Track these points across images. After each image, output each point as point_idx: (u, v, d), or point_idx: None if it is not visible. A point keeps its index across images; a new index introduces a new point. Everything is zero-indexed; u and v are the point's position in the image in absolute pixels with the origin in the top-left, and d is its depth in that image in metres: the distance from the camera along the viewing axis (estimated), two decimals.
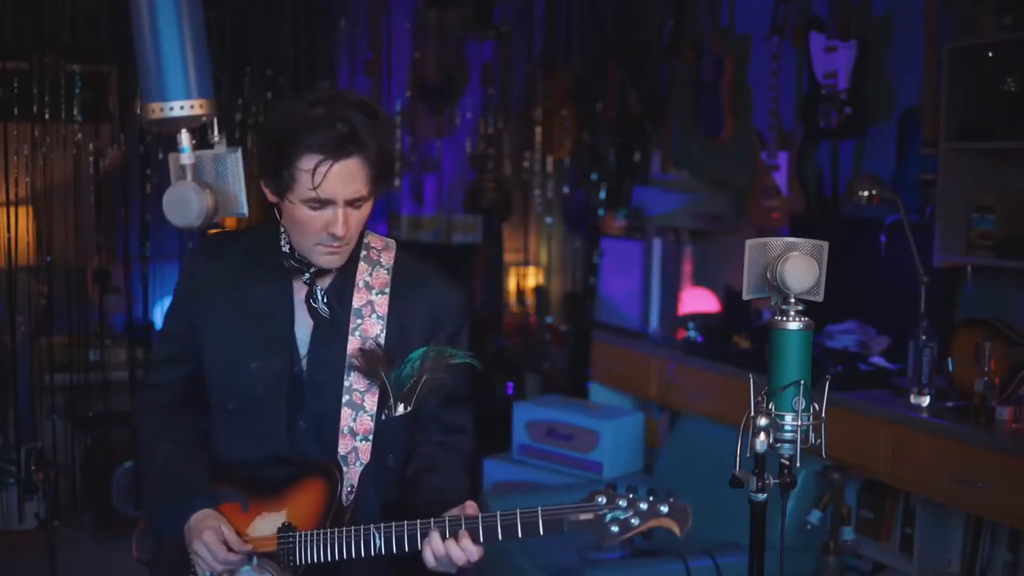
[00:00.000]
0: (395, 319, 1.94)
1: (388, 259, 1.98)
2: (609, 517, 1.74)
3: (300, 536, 1.86)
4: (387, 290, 1.94)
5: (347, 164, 1.78)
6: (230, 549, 1.85)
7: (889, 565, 3.47)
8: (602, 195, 5.38)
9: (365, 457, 1.91)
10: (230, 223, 5.03)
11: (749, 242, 1.75)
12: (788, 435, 1.71)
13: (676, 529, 1.77)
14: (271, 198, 1.87)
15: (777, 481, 1.72)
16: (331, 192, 1.78)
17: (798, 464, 1.72)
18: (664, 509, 1.77)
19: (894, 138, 3.86)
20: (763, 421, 1.69)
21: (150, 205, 4.74)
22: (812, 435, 1.73)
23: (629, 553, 3.38)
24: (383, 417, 1.91)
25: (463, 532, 1.77)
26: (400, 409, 1.91)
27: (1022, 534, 3.18)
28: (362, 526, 1.83)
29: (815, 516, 3.08)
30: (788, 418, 1.71)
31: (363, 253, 1.96)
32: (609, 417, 4.22)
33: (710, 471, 3.39)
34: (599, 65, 5.38)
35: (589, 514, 1.74)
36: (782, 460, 1.72)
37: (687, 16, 5.01)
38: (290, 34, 5.16)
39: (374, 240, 2.00)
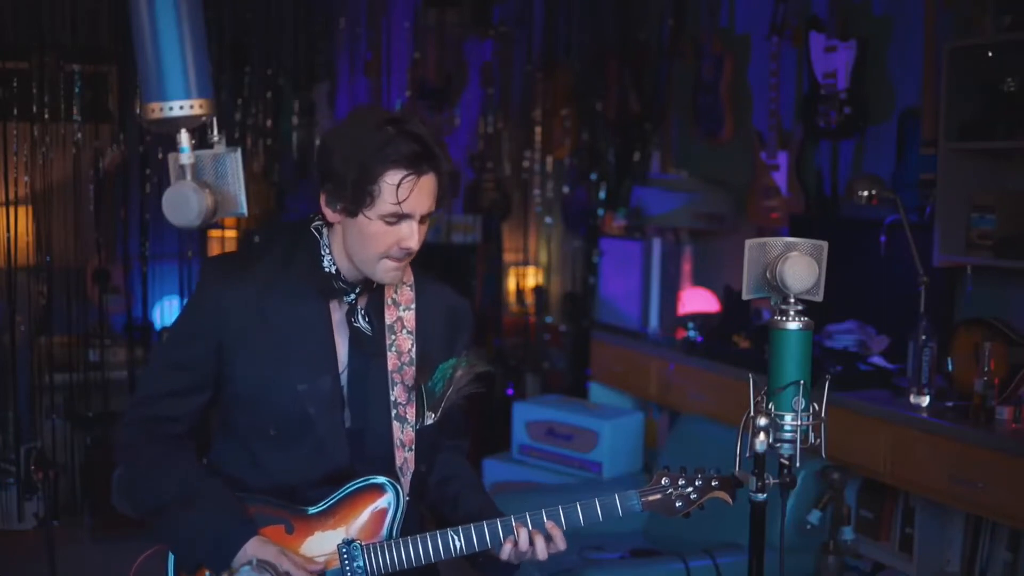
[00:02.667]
0: (422, 333, 2.02)
1: (408, 277, 2.05)
2: (674, 495, 1.94)
3: (369, 548, 1.90)
4: (412, 306, 2.02)
5: (427, 179, 1.86)
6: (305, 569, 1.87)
7: (889, 565, 3.47)
8: (602, 195, 5.38)
9: (412, 466, 1.99)
10: (230, 223, 5.07)
11: (749, 242, 1.75)
12: (788, 435, 1.71)
13: (727, 498, 1.95)
14: (333, 217, 1.89)
15: (777, 481, 1.72)
16: (412, 206, 1.85)
17: (798, 464, 1.72)
18: (715, 483, 1.95)
19: (894, 138, 3.86)
20: (763, 421, 1.70)
21: (150, 205, 4.75)
22: (812, 435, 1.73)
23: (629, 553, 3.39)
24: (418, 427, 2.00)
25: (552, 524, 1.92)
26: (431, 418, 2.00)
27: (1021, 534, 3.18)
28: (437, 531, 1.91)
29: (815, 516, 3.08)
30: (788, 418, 1.71)
31: None
32: (609, 417, 4.22)
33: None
34: (599, 65, 5.38)
35: (658, 494, 1.94)
36: (782, 460, 1.73)
37: (687, 16, 5.01)
38: (290, 34, 5.16)
39: None
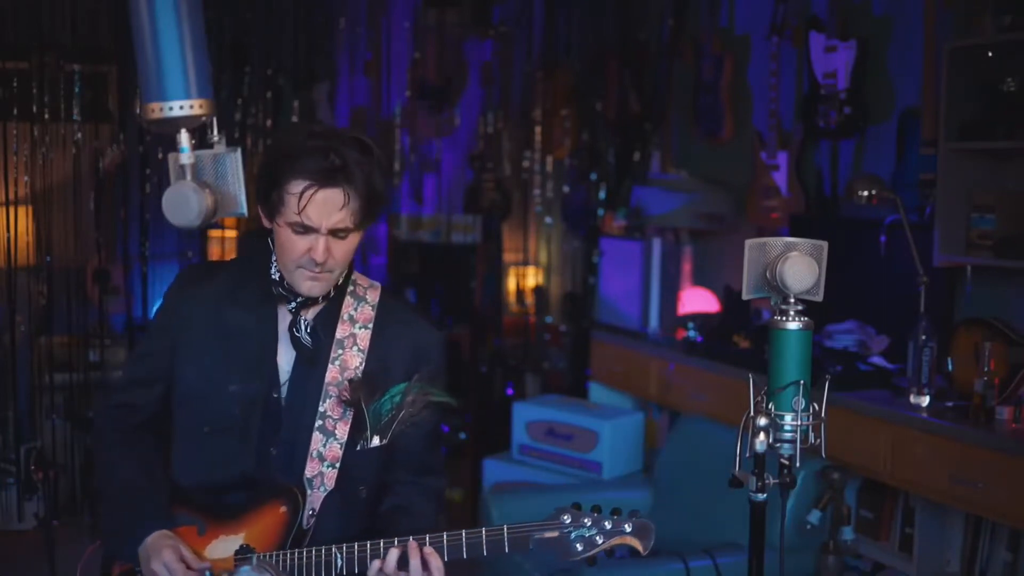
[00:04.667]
0: (376, 354, 1.99)
1: (373, 297, 2.05)
2: (574, 535, 1.78)
3: (258, 558, 1.89)
4: (370, 325, 2.00)
5: (332, 193, 1.84)
6: (188, 567, 1.87)
7: (889, 565, 3.47)
8: (602, 195, 5.38)
9: (330, 484, 1.95)
10: (230, 223, 5.07)
11: (749, 242, 1.75)
12: (788, 435, 1.71)
13: (639, 546, 1.79)
14: (265, 222, 1.93)
15: (777, 481, 1.72)
16: (314, 218, 1.84)
17: (798, 464, 1.72)
18: (628, 528, 1.80)
19: (894, 138, 3.86)
20: (763, 421, 1.69)
21: (150, 205, 4.75)
22: (812, 435, 1.73)
23: (629, 553, 3.38)
24: (357, 447, 1.96)
25: (430, 549, 1.81)
26: (376, 441, 1.95)
27: (1021, 534, 3.18)
28: (323, 547, 1.86)
29: (815, 516, 3.08)
30: (788, 418, 1.71)
31: (350, 288, 2.03)
32: (609, 417, 4.22)
33: (710, 471, 3.39)
34: (599, 65, 5.37)
35: (554, 532, 1.78)
36: (782, 460, 1.72)
37: (687, 16, 5.01)
38: (290, 34, 5.16)
39: (361, 279, 2.07)
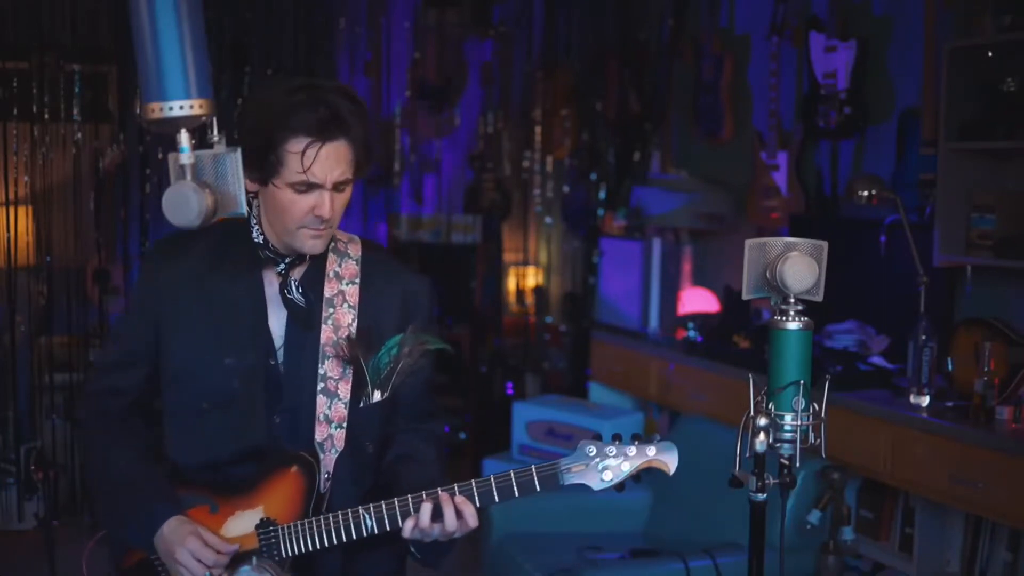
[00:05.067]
0: (367, 309, 1.96)
1: (356, 251, 2.01)
2: (600, 466, 1.79)
3: (282, 529, 1.86)
4: (357, 280, 1.97)
5: (334, 146, 1.81)
6: (217, 552, 1.83)
7: (888, 565, 3.47)
8: (602, 195, 5.38)
9: (340, 444, 1.92)
10: None
11: (749, 242, 1.75)
12: (788, 435, 1.71)
13: (665, 467, 1.80)
14: (251, 187, 1.86)
15: (777, 481, 1.72)
16: (319, 174, 1.80)
17: (797, 464, 1.72)
18: (651, 451, 1.80)
19: (894, 138, 3.86)
20: (763, 421, 1.69)
21: (150, 205, 4.75)
22: (812, 435, 1.73)
23: (629, 553, 3.39)
24: (360, 405, 1.93)
25: (461, 498, 1.80)
26: (377, 395, 1.93)
27: (1021, 534, 3.18)
28: (349, 510, 1.84)
29: (815, 516, 3.08)
30: (788, 418, 1.71)
31: (332, 244, 1.98)
32: (609, 417, 4.22)
33: (710, 471, 3.38)
34: (599, 65, 5.38)
35: (581, 465, 1.79)
36: (782, 460, 1.72)
37: (687, 16, 5.01)
38: (290, 34, 5.16)
39: (339, 233, 2.02)
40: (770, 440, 1.70)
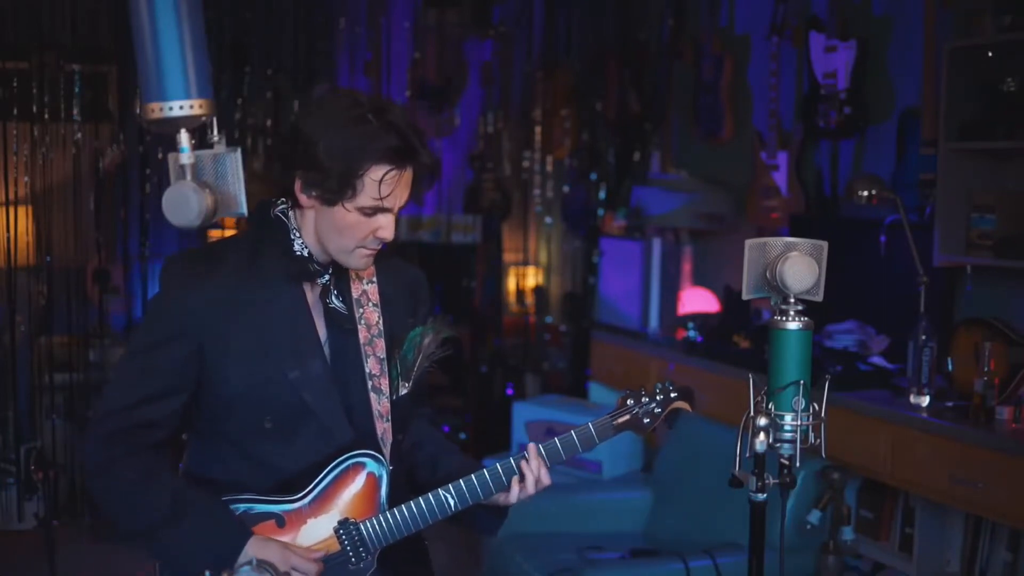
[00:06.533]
0: (387, 305, 2.03)
1: None
2: (641, 413, 2.02)
3: (365, 526, 1.92)
4: (374, 278, 2.03)
5: (408, 173, 1.86)
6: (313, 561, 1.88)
7: (888, 565, 3.47)
8: (602, 195, 5.38)
9: (390, 437, 2.00)
10: (229, 223, 5.07)
11: (749, 242, 1.75)
12: (788, 435, 1.71)
13: (688, 407, 2.04)
14: (307, 203, 1.86)
15: (777, 481, 1.72)
16: (392, 200, 1.85)
17: (797, 464, 1.72)
18: (675, 395, 2.03)
19: (893, 138, 3.86)
20: (763, 421, 1.70)
21: (150, 205, 4.75)
22: (812, 435, 1.73)
23: (629, 553, 3.39)
24: (394, 398, 2.01)
25: (539, 461, 2.00)
26: (405, 388, 2.02)
27: (1021, 534, 3.18)
28: (430, 494, 1.95)
29: (815, 516, 3.08)
30: (788, 418, 1.71)
31: None
32: None
33: (710, 471, 3.39)
34: (599, 65, 5.38)
35: (626, 416, 2.02)
36: (782, 460, 1.72)
37: (687, 16, 5.01)
38: (290, 34, 5.16)
39: None
40: (770, 440, 1.70)
